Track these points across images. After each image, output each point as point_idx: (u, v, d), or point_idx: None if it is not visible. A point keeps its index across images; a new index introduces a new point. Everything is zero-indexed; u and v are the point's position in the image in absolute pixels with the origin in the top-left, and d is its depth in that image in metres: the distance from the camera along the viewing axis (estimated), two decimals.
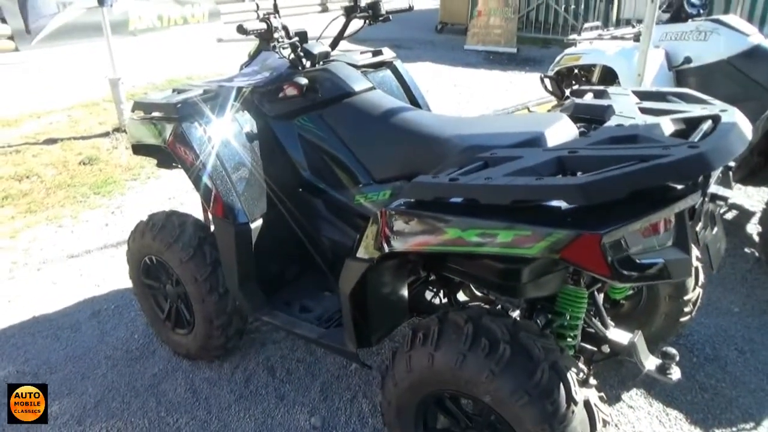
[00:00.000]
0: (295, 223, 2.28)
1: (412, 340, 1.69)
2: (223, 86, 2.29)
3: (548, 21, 10.74)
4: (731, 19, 3.43)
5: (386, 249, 1.57)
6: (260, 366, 2.54)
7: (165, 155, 2.50)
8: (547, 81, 4.15)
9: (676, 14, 3.64)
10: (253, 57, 2.36)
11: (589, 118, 2.00)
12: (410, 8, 2.61)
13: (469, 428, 1.72)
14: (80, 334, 2.82)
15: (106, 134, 5.41)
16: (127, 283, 3.04)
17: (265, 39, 2.16)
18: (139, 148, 2.45)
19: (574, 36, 3.95)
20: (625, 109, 1.86)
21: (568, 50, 3.98)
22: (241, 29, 2.06)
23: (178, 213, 2.45)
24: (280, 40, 2.17)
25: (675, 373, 1.85)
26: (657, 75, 3.39)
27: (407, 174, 2.02)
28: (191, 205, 4.08)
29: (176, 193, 4.38)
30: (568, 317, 1.80)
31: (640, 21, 3.45)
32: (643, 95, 2.04)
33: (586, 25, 4.11)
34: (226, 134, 2.15)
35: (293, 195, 2.28)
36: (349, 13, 2.43)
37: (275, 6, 2.30)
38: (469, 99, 6.82)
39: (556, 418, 1.45)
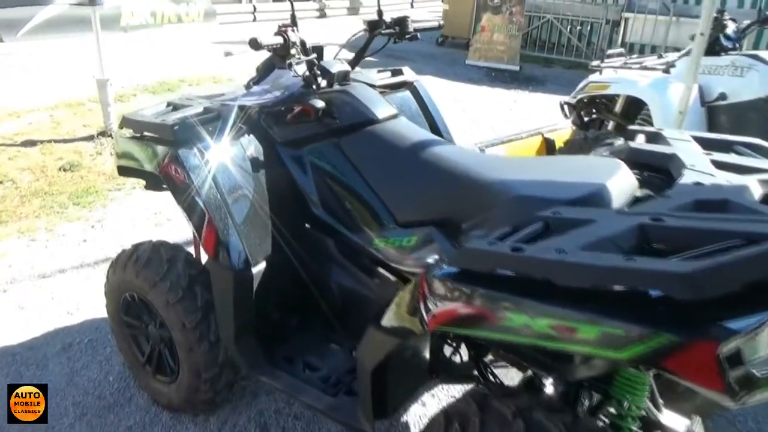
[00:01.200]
0: (301, 265, 1.99)
1: (446, 428, 1.41)
2: (227, 105, 1.99)
3: (551, 41, 10.58)
4: None
5: (426, 328, 1.28)
6: (252, 422, 2.23)
7: (155, 179, 2.21)
8: (567, 107, 3.92)
9: (710, 47, 3.42)
10: (262, 73, 2.08)
11: (646, 165, 1.75)
12: (439, 26, 2.35)
13: None
14: (47, 372, 2.49)
15: (91, 138, 5.06)
16: (105, 313, 2.74)
17: (281, 55, 1.88)
18: (125, 170, 2.14)
19: (597, 62, 3.72)
20: (695, 161, 1.60)
21: (592, 77, 3.74)
22: (254, 43, 1.77)
23: (166, 245, 2.15)
24: (297, 56, 1.89)
25: None
26: (689, 111, 3.16)
27: (437, 219, 1.75)
28: (179, 221, 3.78)
29: (163, 208, 4.04)
30: (626, 405, 1.53)
31: (677, 49, 3.22)
32: (705, 143, 1.79)
33: (609, 51, 3.89)
34: (227, 162, 1.86)
35: (299, 232, 1.99)
36: (373, 29, 2.17)
37: (293, 18, 2.02)
38: (473, 117, 6.59)
39: None
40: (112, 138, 4.98)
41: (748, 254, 1.00)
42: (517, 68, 9.33)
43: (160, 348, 2.21)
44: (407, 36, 2.21)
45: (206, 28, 12.24)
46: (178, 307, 1.97)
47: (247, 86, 2.06)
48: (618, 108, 3.75)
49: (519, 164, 1.78)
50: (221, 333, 1.92)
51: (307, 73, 1.94)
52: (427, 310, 1.28)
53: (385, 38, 2.28)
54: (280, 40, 1.83)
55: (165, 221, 3.86)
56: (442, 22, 2.37)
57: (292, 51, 1.88)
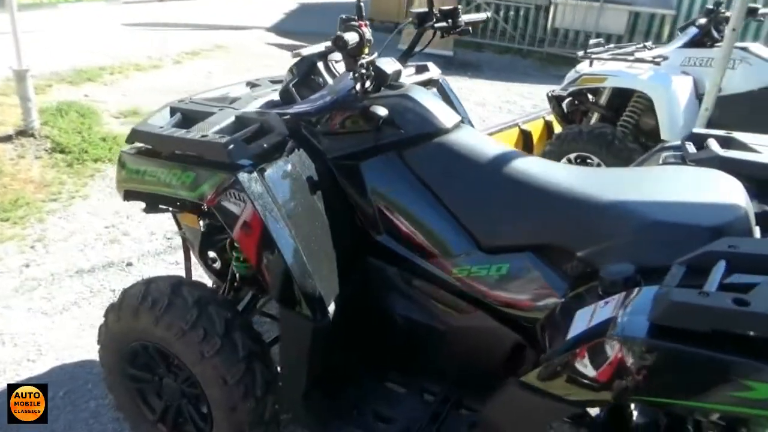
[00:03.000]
0: (362, 301, 1.71)
1: None
2: (264, 114, 1.65)
3: (481, 25, 10.60)
4: (759, 48, 3.27)
5: (621, 397, 1.07)
6: None
7: (167, 201, 1.83)
8: (559, 100, 3.83)
9: (700, 40, 3.43)
10: (300, 74, 1.74)
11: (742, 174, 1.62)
12: (488, 19, 2.11)
13: None
14: None
15: (8, 139, 4.34)
16: (73, 356, 2.31)
17: (353, 55, 1.57)
18: (135, 194, 1.74)
19: (581, 53, 3.64)
20: None
21: (582, 69, 3.66)
22: (342, 42, 1.44)
23: (188, 283, 1.78)
24: (365, 56, 1.58)
25: None
26: (687, 104, 3.15)
27: (534, 244, 1.53)
28: (138, 236, 3.31)
29: (114, 220, 3.53)
30: None
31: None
32: None
33: (591, 41, 3.83)
34: (288, 186, 1.53)
35: (359, 264, 1.71)
36: (422, 22, 1.89)
37: (360, 10, 1.70)
38: None
39: None
40: (36, 138, 4.32)
41: None
42: (451, 54, 9.25)
43: (180, 404, 1.85)
44: (458, 29, 1.95)
45: (108, 8, 11.18)
46: (216, 360, 1.63)
47: (285, 90, 1.72)
48: (604, 100, 3.69)
49: (626, 179, 1.60)
50: (286, 391, 1.60)
51: (365, 74, 1.64)
52: (619, 376, 1.07)
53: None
54: (356, 37, 1.52)
55: (121, 237, 3.36)
56: (489, 14, 2.12)
57: (365, 50, 1.57)
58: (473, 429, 1.63)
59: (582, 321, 1.23)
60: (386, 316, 1.74)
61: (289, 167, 1.56)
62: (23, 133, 4.38)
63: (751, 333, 0.96)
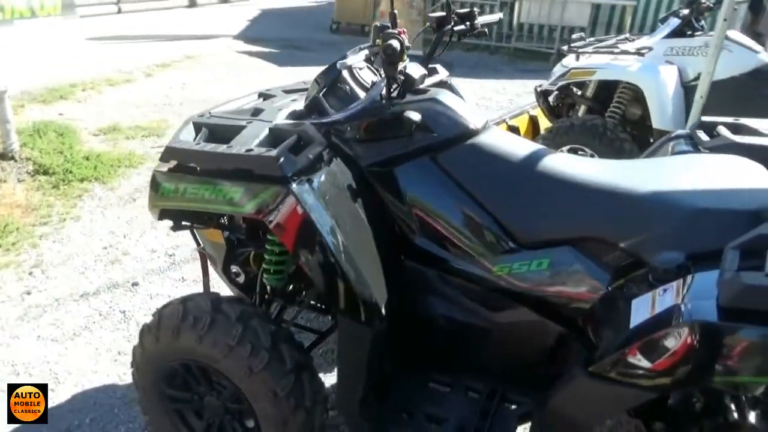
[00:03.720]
0: (402, 305, 1.73)
1: None
2: (299, 125, 1.65)
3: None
4: (738, 36, 3.41)
5: (699, 379, 1.12)
6: None
7: (198, 218, 1.82)
8: (546, 95, 3.91)
9: (681, 30, 3.56)
10: (327, 82, 1.73)
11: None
12: (500, 20, 2.15)
13: None
14: None
15: None
16: (95, 380, 2.29)
17: (393, 63, 1.58)
18: (170, 213, 1.72)
19: (566, 48, 3.73)
20: None
21: (570, 63, 3.74)
22: (390, 50, 1.47)
23: (226, 300, 1.77)
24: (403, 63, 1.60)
25: None
26: (674, 92, 3.26)
27: (574, 239, 1.58)
28: (139, 254, 3.26)
29: (112, 240, 3.46)
30: None
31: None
32: None
33: (573, 36, 3.93)
34: (334, 195, 1.54)
35: (397, 268, 1.73)
36: (441, 25, 1.92)
37: (394, 17, 1.71)
38: None
39: None
40: (16, 161, 4.20)
41: None
42: (420, 53, 9.27)
43: (223, 421, 1.84)
44: (475, 31, 1.99)
45: (66, 23, 10.91)
46: (265, 374, 1.63)
47: (314, 99, 1.73)
48: (591, 93, 3.79)
49: (658, 169, 1.66)
50: (340, 401, 1.62)
51: (394, 81, 1.66)
52: (689, 361, 1.12)
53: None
54: (398, 45, 1.53)
55: (122, 256, 3.30)
56: (501, 16, 2.16)
57: (405, 57, 1.59)
58: (525, 421, 1.67)
59: (643, 309, 1.28)
60: (427, 318, 1.76)
61: (331, 177, 1.57)
62: (3, 156, 4.25)
63: None
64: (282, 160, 1.44)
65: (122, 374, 2.42)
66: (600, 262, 1.54)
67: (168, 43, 8.92)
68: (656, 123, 3.31)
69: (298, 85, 2.28)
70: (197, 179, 1.58)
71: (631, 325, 1.26)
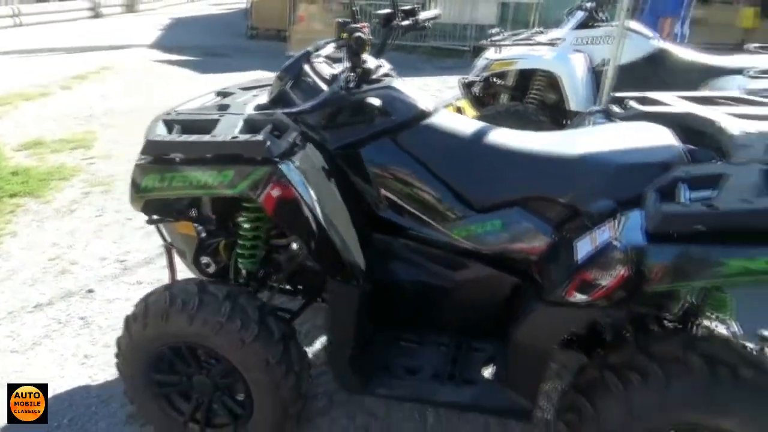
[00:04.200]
0: (372, 272, 1.92)
1: (623, 381, 1.52)
2: (276, 114, 1.81)
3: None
4: (635, 25, 3.85)
5: (635, 289, 1.38)
6: None
7: (179, 209, 1.92)
8: (470, 86, 4.21)
9: (585, 22, 3.96)
10: (294, 76, 1.89)
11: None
12: (439, 16, 2.38)
13: None
14: None
15: None
16: (64, 384, 2.35)
17: (358, 54, 1.76)
18: (156, 204, 1.82)
19: (486, 42, 4.06)
20: (717, 117, 1.91)
21: (491, 56, 4.06)
22: (359, 41, 1.64)
23: (210, 282, 1.89)
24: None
25: None
26: (584, 77, 3.65)
27: (520, 200, 1.83)
28: (87, 262, 3.26)
29: (56, 252, 3.41)
30: (712, 321, 1.81)
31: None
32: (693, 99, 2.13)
33: (491, 31, 4.27)
34: (313, 174, 1.71)
35: (367, 239, 1.91)
36: (388, 22, 2.12)
37: (354, 14, 1.88)
38: None
39: None
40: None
41: None
42: (340, 56, 9.50)
43: (212, 399, 1.95)
44: (418, 26, 2.20)
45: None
46: (257, 344, 1.77)
47: (282, 91, 1.89)
48: (511, 82, 4.14)
49: (584, 137, 1.93)
50: (332, 359, 1.78)
51: (356, 71, 1.85)
52: (627, 280, 1.38)
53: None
54: (364, 37, 1.71)
55: (70, 266, 3.26)
56: (440, 12, 2.38)
57: (367, 48, 1.77)
58: (490, 363, 1.90)
59: (585, 247, 1.54)
60: (396, 283, 1.96)
61: (307, 159, 1.74)
62: None
63: (720, 226, 1.31)
64: (269, 143, 1.59)
65: (93, 375, 2.45)
66: (544, 217, 1.79)
67: (80, 55, 8.62)
68: (571, 105, 3.69)
69: (252, 82, 2.42)
70: (184, 168, 1.70)
71: (577, 260, 1.52)
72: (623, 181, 1.65)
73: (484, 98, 4.40)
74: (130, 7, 16.13)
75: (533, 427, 2.14)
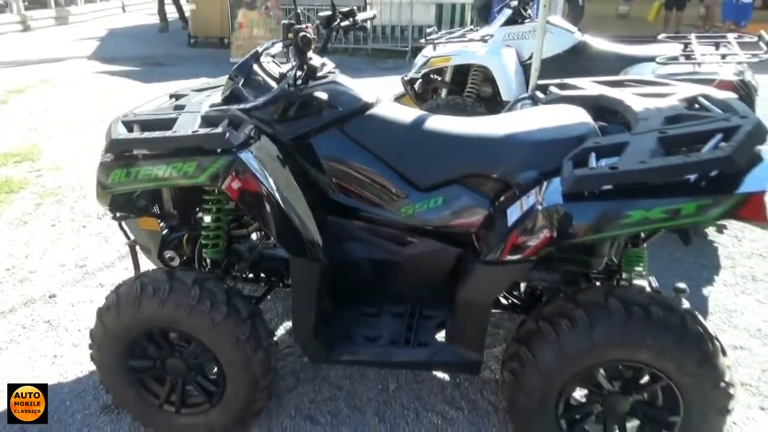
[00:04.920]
0: (330, 252, 2.10)
1: (555, 328, 1.76)
2: (231, 110, 1.96)
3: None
4: (557, 20, 4.16)
5: (560, 243, 1.61)
6: (297, 419, 2.26)
7: (140, 205, 2.05)
8: (412, 83, 4.44)
9: (512, 19, 4.25)
10: (245, 75, 2.04)
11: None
12: (374, 16, 2.57)
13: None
14: None
15: None
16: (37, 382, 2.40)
17: (305, 52, 1.92)
18: (121, 200, 1.94)
19: (423, 41, 4.29)
20: (623, 97, 2.18)
21: (429, 54, 4.29)
22: (305, 40, 1.82)
23: (178, 269, 2.02)
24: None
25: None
26: (515, 70, 3.93)
27: (458, 177, 2.05)
28: (46, 269, 3.32)
29: (13, 262, 3.43)
30: (631, 275, 2.08)
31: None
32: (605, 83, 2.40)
33: (427, 30, 4.51)
34: (269, 162, 1.87)
35: (324, 222, 2.09)
36: (329, 23, 2.30)
37: (298, 17, 2.04)
38: None
39: None
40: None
41: (749, 132, 1.56)
42: (288, 55, 9.61)
43: (185, 379, 2.08)
44: (357, 26, 2.39)
45: None
46: (227, 323, 1.92)
47: (235, 90, 2.04)
48: (448, 77, 4.39)
49: (511, 119, 2.16)
50: (297, 331, 1.95)
51: (300, 70, 2.02)
52: (556, 231, 1.61)
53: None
54: (309, 36, 1.88)
55: (29, 275, 3.30)
56: (375, 13, 2.57)
57: (312, 47, 1.94)
58: (442, 328, 2.11)
59: (515, 212, 1.77)
60: (352, 261, 2.14)
61: (263, 149, 1.90)
62: None
63: (622, 184, 1.56)
64: (227, 135, 1.75)
65: (64, 373, 2.53)
66: (480, 191, 2.01)
67: (15, 69, 8.41)
68: (505, 96, 3.97)
69: (203, 84, 2.56)
70: (148, 162, 1.83)
71: (509, 224, 1.75)
72: (545, 154, 1.89)
73: (425, 94, 4.64)
74: (62, 20, 15.69)
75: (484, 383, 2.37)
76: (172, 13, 13.18)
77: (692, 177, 1.56)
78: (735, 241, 3.70)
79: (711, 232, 3.79)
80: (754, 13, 10.39)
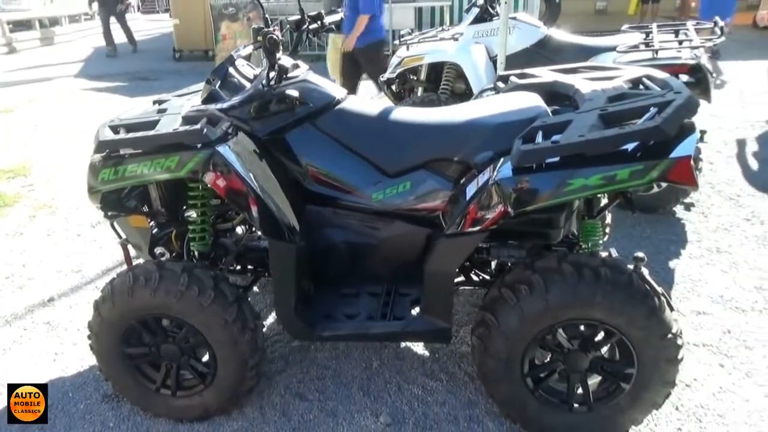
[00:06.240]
0: (309, 238, 2.25)
1: (515, 292, 1.92)
2: (209, 109, 2.12)
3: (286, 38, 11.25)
4: (523, 16, 4.35)
5: (512, 213, 1.78)
6: (287, 397, 2.41)
7: (130, 204, 2.20)
8: (389, 83, 4.62)
9: (481, 17, 4.44)
10: (222, 78, 2.21)
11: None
12: (341, 19, 2.74)
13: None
14: None
15: None
16: (37, 379, 2.52)
17: (274, 53, 2.09)
18: (111, 197, 2.09)
19: (397, 42, 4.47)
20: (574, 81, 2.35)
21: (403, 54, 4.47)
22: (272, 41, 2.00)
23: (164, 262, 2.17)
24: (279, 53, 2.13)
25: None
26: (485, 65, 4.11)
27: (424, 162, 2.21)
28: (45, 275, 3.45)
29: (11, 271, 3.56)
30: (590, 245, 2.24)
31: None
32: (560, 71, 2.58)
33: (402, 32, 4.68)
34: (247, 156, 2.03)
35: (301, 211, 2.25)
36: (299, 27, 2.46)
37: (267, 21, 2.20)
38: None
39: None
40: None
41: (679, 106, 1.73)
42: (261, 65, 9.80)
43: (179, 363, 2.23)
44: (325, 29, 2.56)
45: None
46: (215, 306, 2.06)
47: (213, 91, 2.20)
48: (423, 75, 4.56)
49: (471, 107, 2.33)
50: (279, 311, 2.10)
51: (273, 69, 2.18)
52: (511, 202, 1.78)
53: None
54: (275, 38, 2.05)
55: (28, 282, 3.44)
56: (342, 15, 2.74)
57: (281, 47, 2.11)
58: (416, 305, 2.27)
59: (472, 188, 1.94)
60: (329, 246, 2.30)
61: (240, 144, 2.07)
62: None
63: (563, 155, 1.72)
64: (205, 130, 1.92)
65: (65, 368, 2.67)
66: (445, 174, 2.17)
67: (2, 90, 8.54)
68: (476, 90, 4.14)
69: (184, 90, 2.72)
70: (134, 160, 1.99)
71: (467, 199, 1.91)
72: (500, 136, 2.05)
73: (401, 93, 4.82)
74: (47, 40, 15.80)
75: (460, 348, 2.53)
76: (157, 28, 13.34)
77: (629, 147, 1.73)
78: (702, 217, 3.89)
79: (679, 210, 3.97)
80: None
